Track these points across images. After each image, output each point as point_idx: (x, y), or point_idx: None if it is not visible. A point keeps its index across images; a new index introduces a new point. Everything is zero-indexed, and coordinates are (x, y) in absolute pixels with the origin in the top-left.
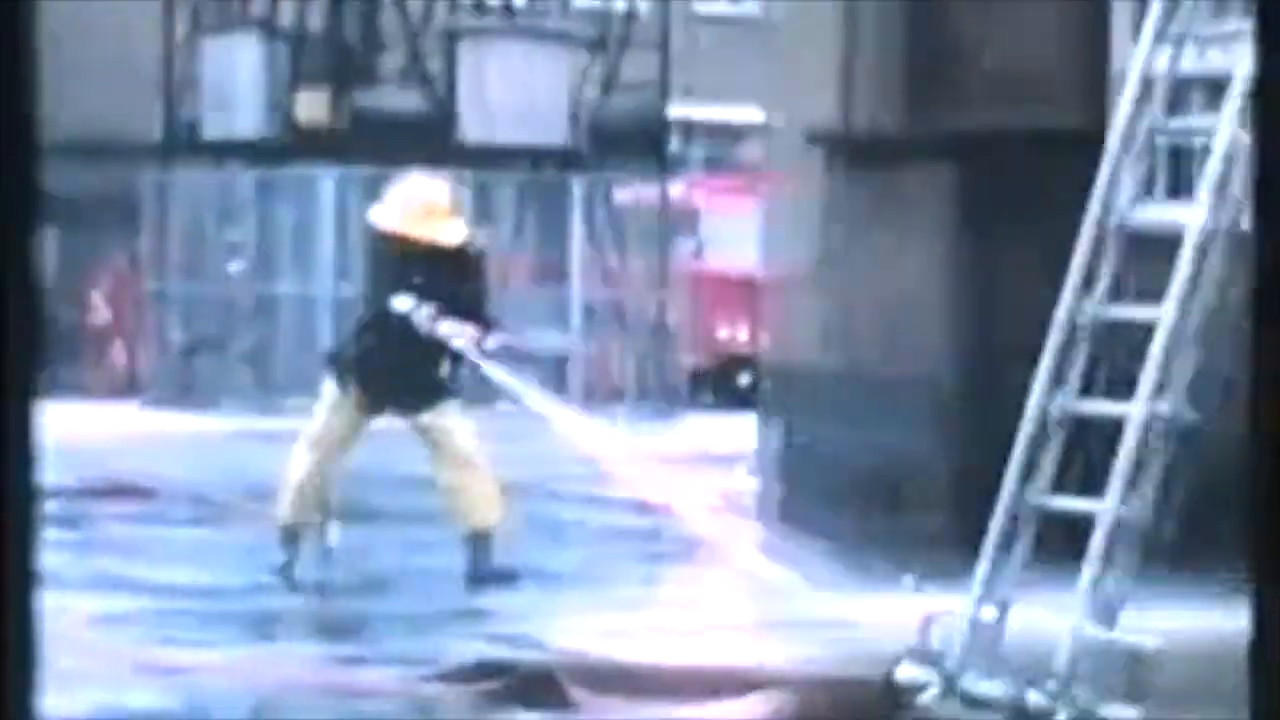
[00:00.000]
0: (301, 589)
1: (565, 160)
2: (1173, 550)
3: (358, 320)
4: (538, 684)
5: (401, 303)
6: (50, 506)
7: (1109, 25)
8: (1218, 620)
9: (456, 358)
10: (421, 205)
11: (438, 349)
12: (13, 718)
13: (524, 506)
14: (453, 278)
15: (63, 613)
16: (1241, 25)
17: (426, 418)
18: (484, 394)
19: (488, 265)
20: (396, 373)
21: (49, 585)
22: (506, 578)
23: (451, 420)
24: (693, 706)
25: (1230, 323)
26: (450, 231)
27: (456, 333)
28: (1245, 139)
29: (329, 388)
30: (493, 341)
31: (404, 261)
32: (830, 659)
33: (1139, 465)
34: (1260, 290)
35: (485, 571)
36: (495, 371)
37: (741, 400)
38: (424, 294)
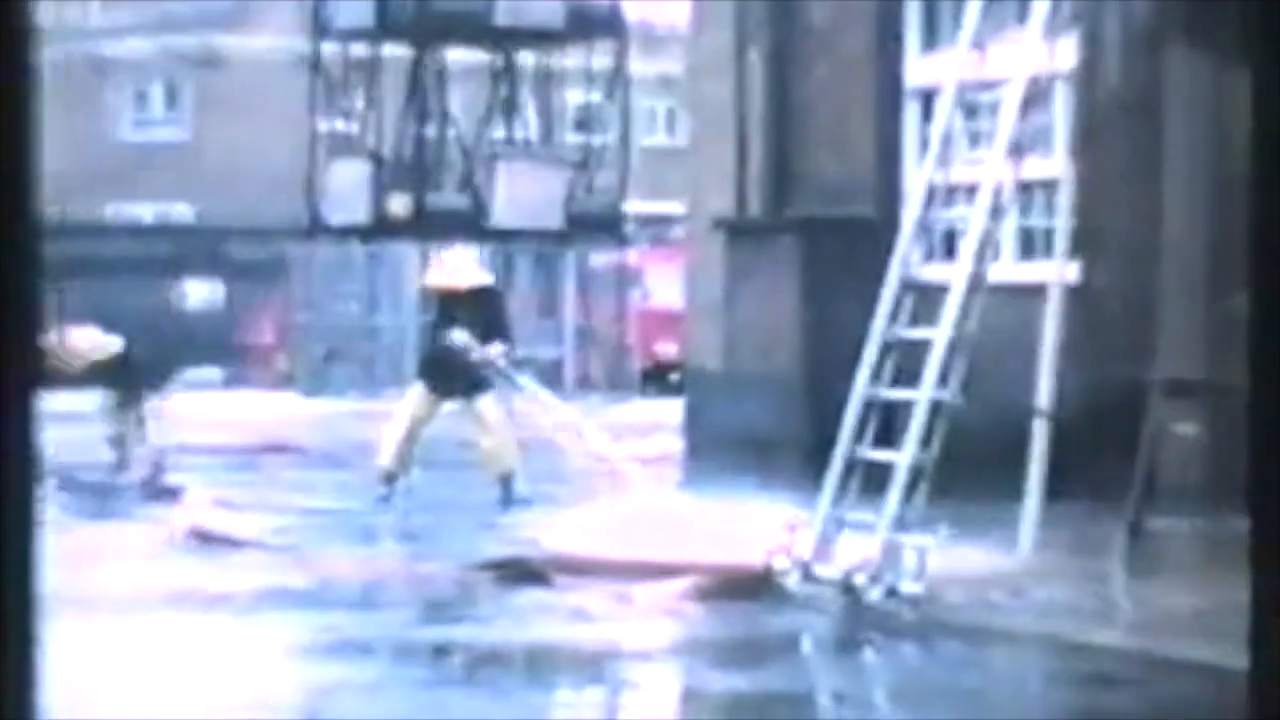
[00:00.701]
0: (393, 511)
1: (560, 238)
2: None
3: (431, 344)
4: (532, 571)
5: (457, 336)
6: (234, 459)
7: (901, 151)
8: (977, 530)
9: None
10: (451, 265)
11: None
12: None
13: (537, 458)
14: (483, 310)
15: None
16: (986, 153)
17: (475, 403)
18: (510, 389)
19: (506, 302)
20: (455, 375)
21: (232, 508)
22: (523, 503)
23: (487, 404)
24: (632, 585)
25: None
26: (472, 277)
27: (491, 354)
28: (993, 224)
29: (417, 385)
30: (514, 353)
31: (453, 304)
32: (725, 553)
33: (926, 431)
34: (1260, 291)
35: (509, 500)
36: (515, 375)
37: (673, 390)
38: (466, 324)
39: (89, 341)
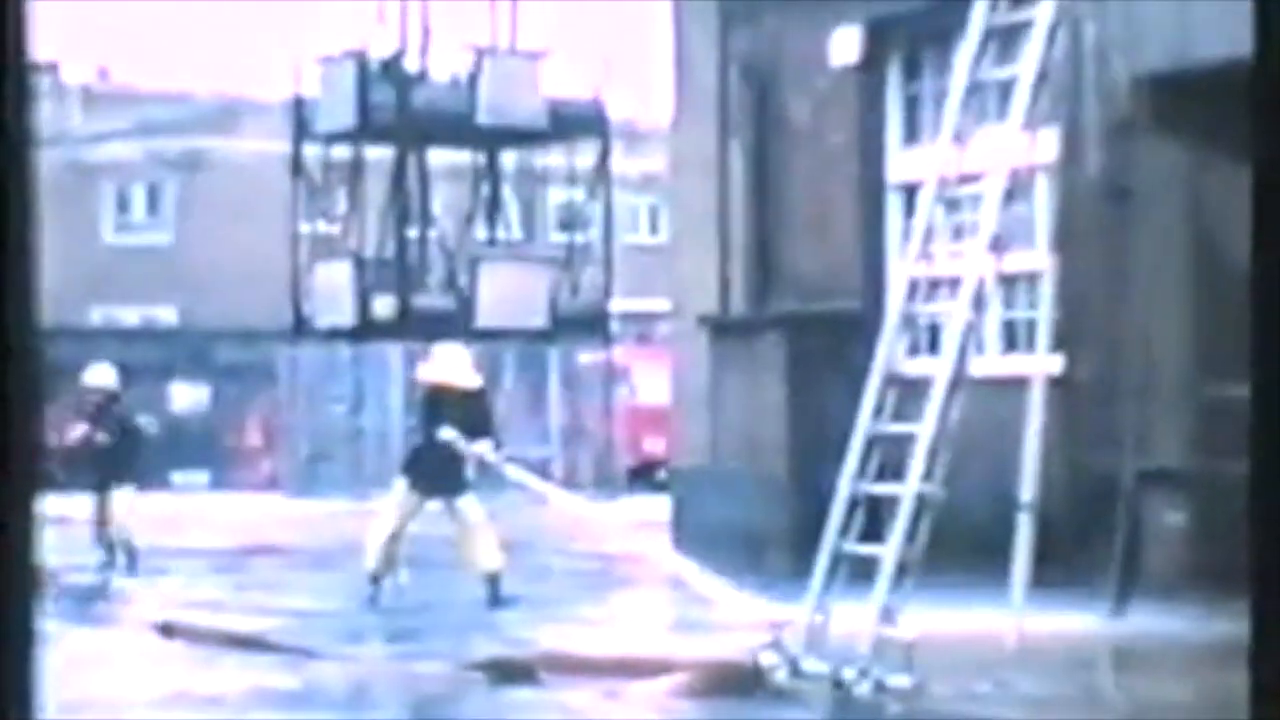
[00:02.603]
0: (381, 611)
1: (545, 337)
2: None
3: (415, 443)
4: (522, 670)
5: (446, 433)
6: (222, 560)
7: (884, 245)
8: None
9: (479, 464)
10: (444, 362)
11: (462, 460)
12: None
13: (521, 557)
14: (470, 409)
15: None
16: (968, 246)
17: (456, 502)
18: (494, 487)
19: (491, 402)
20: (438, 474)
21: (219, 610)
22: (511, 603)
23: (469, 504)
24: (621, 683)
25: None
26: (466, 377)
27: (485, 449)
28: (975, 317)
29: (399, 483)
30: (500, 454)
31: (441, 402)
32: (712, 650)
33: (911, 525)
34: (1260, 294)
35: (497, 600)
36: (511, 469)
37: (660, 487)
38: (454, 422)
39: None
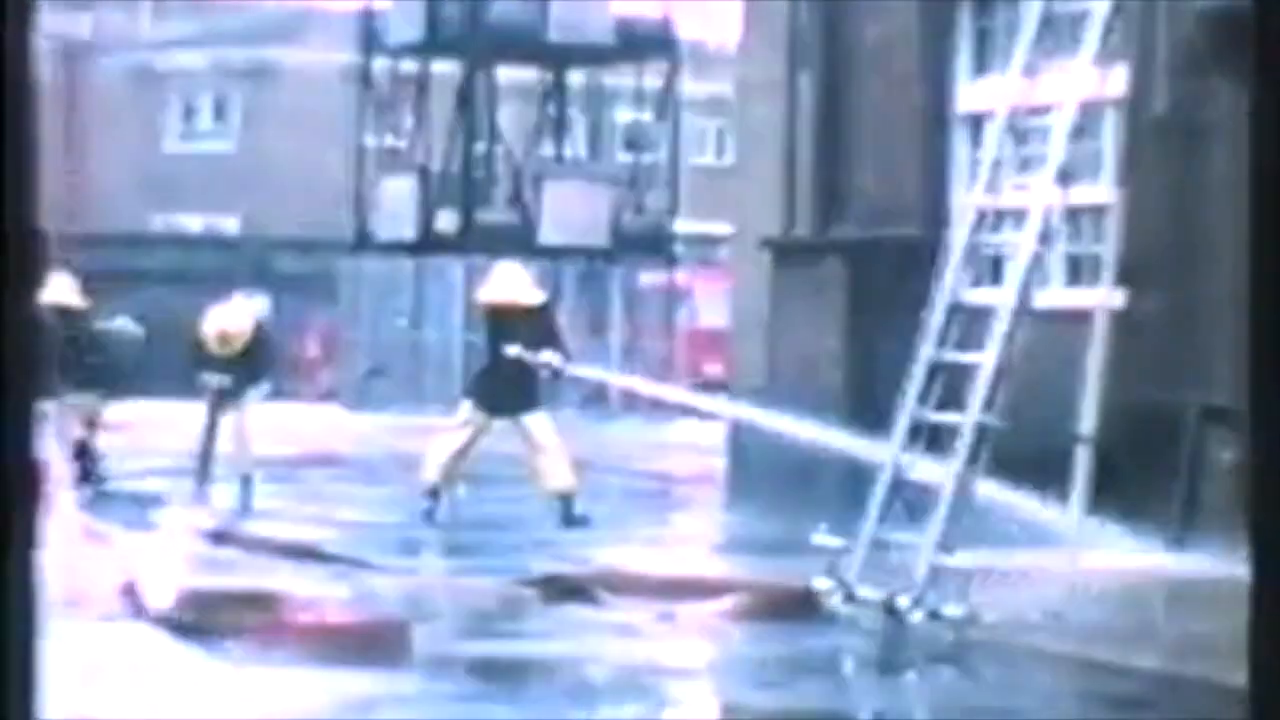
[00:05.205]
0: (437, 526)
1: (608, 257)
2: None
3: (482, 364)
4: (577, 588)
5: (512, 349)
6: (278, 470)
7: (949, 174)
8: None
9: (543, 379)
10: (503, 281)
11: (531, 378)
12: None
13: (579, 476)
14: (536, 326)
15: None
16: (1035, 179)
17: (524, 420)
18: (551, 404)
19: (556, 317)
20: (505, 392)
21: (279, 519)
22: (582, 521)
23: (538, 421)
24: (676, 604)
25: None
26: (525, 295)
27: (554, 359)
28: (1041, 249)
29: (465, 405)
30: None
31: (506, 321)
32: (772, 574)
33: (971, 454)
34: (1259, 289)
35: (570, 519)
36: (585, 370)
37: None
38: (521, 339)
39: (234, 322)
